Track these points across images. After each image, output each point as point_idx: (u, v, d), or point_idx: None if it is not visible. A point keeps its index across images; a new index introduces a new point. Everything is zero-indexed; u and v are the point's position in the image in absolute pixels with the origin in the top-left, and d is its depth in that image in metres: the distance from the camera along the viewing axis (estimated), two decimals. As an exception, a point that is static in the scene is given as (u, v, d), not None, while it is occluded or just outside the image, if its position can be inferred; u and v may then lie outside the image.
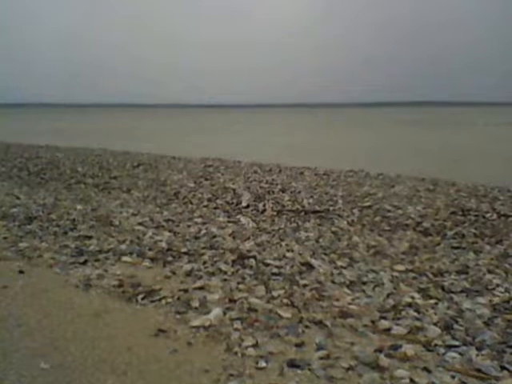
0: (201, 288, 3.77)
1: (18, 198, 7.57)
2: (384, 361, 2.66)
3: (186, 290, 3.72)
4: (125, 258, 4.51)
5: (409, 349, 2.77)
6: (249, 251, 4.71)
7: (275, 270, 4.18)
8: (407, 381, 2.48)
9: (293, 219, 6.44)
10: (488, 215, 6.59)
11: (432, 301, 3.56)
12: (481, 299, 3.62)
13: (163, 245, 4.89)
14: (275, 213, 6.80)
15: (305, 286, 3.82)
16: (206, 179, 9.84)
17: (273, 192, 8.31)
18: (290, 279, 3.96)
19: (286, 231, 5.75)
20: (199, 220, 6.22)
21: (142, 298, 3.57)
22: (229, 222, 6.21)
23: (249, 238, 5.29)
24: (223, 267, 4.24)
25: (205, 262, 4.39)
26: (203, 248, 4.84)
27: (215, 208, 7.16)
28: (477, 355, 2.73)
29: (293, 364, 2.65)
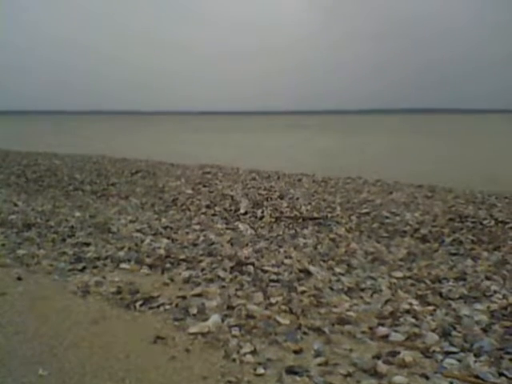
0: (199, 295, 3.77)
1: (15, 204, 7.57)
2: (382, 367, 2.66)
3: (184, 297, 3.72)
4: (123, 265, 4.51)
5: (407, 355, 2.78)
6: (247, 258, 4.71)
7: (273, 277, 4.18)
8: (405, 387, 2.49)
9: (291, 226, 6.45)
10: (486, 222, 6.61)
11: (430, 307, 3.57)
12: (479, 306, 3.63)
13: (161, 252, 4.89)
14: (273, 219, 6.81)
15: (303, 292, 3.82)
16: (204, 186, 9.86)
17: (271, 199, 8.33)
18: (288, 286, 3.96)
19: (284, 238, 5.76)
20: (197, 227, 6.23)
21: (141, 305, 3.57)
22: (227, 228, 6.22)
23: (247, 245, 5.29)
24: (221, 274, 4.24)
25: (203, 269, 4.39)
26: (201, 255, 4.84)
27: (213, 215, 7.17)
28: (475, 361, 2.73)
29: (291, 371, 2.65)
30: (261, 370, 2.64)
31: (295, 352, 2.87)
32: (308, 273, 4.30)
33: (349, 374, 2.61)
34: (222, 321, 3.26)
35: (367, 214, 7.15)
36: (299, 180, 10.93)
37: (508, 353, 2.83)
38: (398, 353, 2.82)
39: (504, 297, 3.81)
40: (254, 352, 2.84)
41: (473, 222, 6.60)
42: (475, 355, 2.81)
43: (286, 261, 4.67)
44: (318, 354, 2.84)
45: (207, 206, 7.74)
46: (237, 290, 3.88)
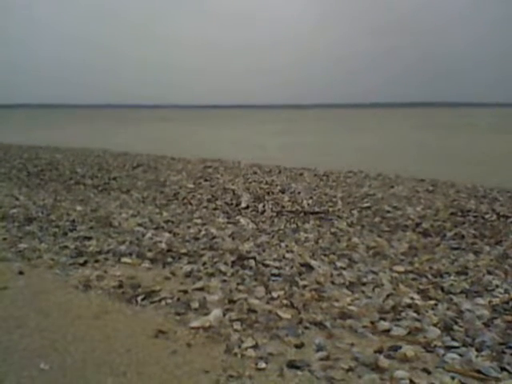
0: (200, 289, 3.77)
1: (17, 198, 7.57)
2: (384, 362, 2.66)
3: (185, 291, 3.72)
4: (124, 259, 4.51)
5: (408, 350, 2.77)
6: (248, 252, 4.71)
7: (275, 271, 4.18)
8: (407, 382, 2.48)
9: (292, 220, 6.44)
10: (487, 216, 6.60)
11: (431, 302, 3.56)
12: (480, 300, 3.62)
13: (163, 246, 4.89)
14: (275, 214, 6.81)
15: (304, 286, 3.82)
16: (206, 180, 9.85)
17: (272, 193, 8.32)
18: (289, 280, 3.95)
19: (285, 232, 5.75)
20: (199, 221, 6.23)
21: (142, 299, 3.57)
22: (228, 222, 6.21)
23: (248, 239, 5.29)
24: (223, 268, 4.24)
25: (204, 263, 4.39)
26: (203, 249, 4.84)
27: (215, 209, 7.16)
28: (476, 356, 2.73)
29: (292, 365, 2.65)
30: (262, 365, 2.64)
31: (296, 346, 2.87)
32: (309, 267, 4.30)
33: (350, 369, 2.61)
34: (224, 315, 3.26)
35: (368, 208, 7.14)
36: (300, 174, 10.91)
37: (510, 347, 2.82)
38: (400, 347, 2.82)
39: (506, 291, 3.80)
40: (255, 346, 2.84)
41: (474, 217, 6.58)
42: (477, 350, 2.81)
43: (288, 255, 4.67)
44: (319, 349, 2.83)
45: (208, 200, 7.74)
46: (238, 284, 3.88)
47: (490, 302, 3.58)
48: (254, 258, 4.49)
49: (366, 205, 7.32)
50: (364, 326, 3.14)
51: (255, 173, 11.03)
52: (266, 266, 4.33)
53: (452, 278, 4.16)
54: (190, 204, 7.52)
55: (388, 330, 3.08)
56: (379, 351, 2.79)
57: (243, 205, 7.32)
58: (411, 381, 2.48)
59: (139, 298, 3.58)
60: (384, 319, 3.24)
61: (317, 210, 7.03)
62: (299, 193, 8.35)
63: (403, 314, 3.31)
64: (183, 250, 4.76)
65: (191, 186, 9.15)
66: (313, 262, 4.41)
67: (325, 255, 4.74)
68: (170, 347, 2.85)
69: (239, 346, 2.84)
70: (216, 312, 3.27)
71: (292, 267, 4.29)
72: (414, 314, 3.31)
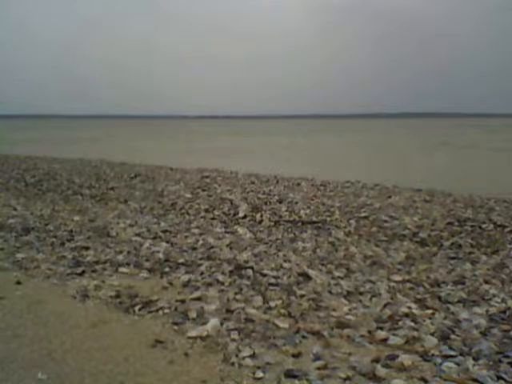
0: (198, 299, 3.77)
1: (14, 209, 7.57)
2: (381, 371, 2.66)
3: (183, 301, 3.72)
4: (122, 269, 4.50)
5: (406, 359, 2.78)
6: (246, 262, 4.71)
7: (272, 281, 4.18)
8: (404, 391, 2.49)
9: (290, 230, 6.45)
10: (484, 226, 6.61)
11: (429, 311, 3.57)
12: (477, 309, 3.63)
13: (160, 256, 4.89)
14: (272, 223, 6.82)
15: (302, 296, 3.82)
16: (203, 190, 9.87)
17: (270, 203, 8.33)
18: (287, 289, 3.96)
19: (283, 242, 5.76)
20: (196, 231, 6.23)
21: (140, 309, 3.57)
22: (226, 232, 6.22)
23: (246, 249, 5.29)
24: (220, 278, 4.24)
25: (202, 273, 4.39)
26: (200, 259, 4.85)
27: (212, 219, 7.17)
28: (473, 365, 2.73)
29: (290, 374, 2.64)
30: (260, 374, 2.64)
31: (294, 356, 2.87)
32: (307, 276, 4.31)
33: (348, 378, 2.61)
34: (221, 325, 3.25)
35: (366, 217, 7.15)
36: (298, 184, 10.94)
37: (506, 356, 2.83)
38: (397, 356, 2.82)
39: (503, 300, 3.81)
40: (252, 356, 2.84)
41: (472, 226, 6.60)
42: (474, 359, 2.81)
43: (285, 264, 4.68)
44: (316, 358, 2.83)
45: (206, 210, 7.74)
46: (236, 293, 3.88)
47: (487, 311, 3.59)
48: (252, 268, 4.50)
49: (363, 214, 7.33)
50: (361, 336, 3.15)
51: (253, 183, 11.06)
52: (264, 275, 4.33)
53: (449, 287, 4.17)
54: (188, 214, 7.53)
55: (385, 339, 3.08)
56: (376, 360, 2.80)
57: (241, 214, 7.34)
58: (408, 390, 2.49)
59: (137, 308, 3.58)
60: (381, 328, 3.24)
61: (314, 219, 7.04)
62: (297, 202, 8.37)
63: (400, 324, 3.32)
64: (181, 260, 4.76)
65: (189, 195, 9.16)
66: (310, 272, 4.42)
67: (322, 265, 4.75)
68: (167, 357, 2.85)
69: (237, 356, 2.83)
70: (213, 321, 3.27)
71: (289, 277, 4.30)
72: (412, 323, 3.32)
